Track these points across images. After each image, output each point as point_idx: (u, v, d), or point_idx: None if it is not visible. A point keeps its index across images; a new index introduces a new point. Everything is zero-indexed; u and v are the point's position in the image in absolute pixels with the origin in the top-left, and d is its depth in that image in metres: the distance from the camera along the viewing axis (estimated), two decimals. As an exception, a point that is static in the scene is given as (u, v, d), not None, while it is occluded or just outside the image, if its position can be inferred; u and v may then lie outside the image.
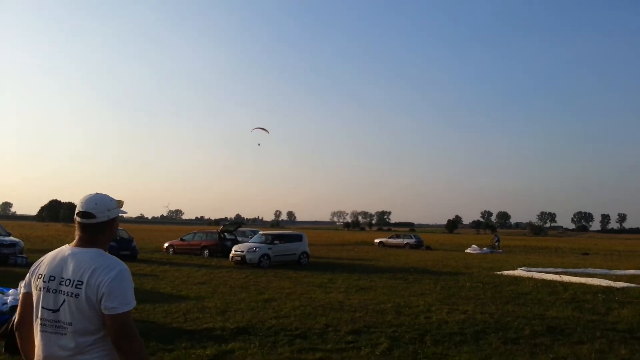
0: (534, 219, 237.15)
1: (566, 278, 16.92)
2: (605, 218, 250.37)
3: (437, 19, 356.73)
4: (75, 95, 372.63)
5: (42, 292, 2.24)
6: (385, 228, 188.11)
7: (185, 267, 18.98)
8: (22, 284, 2.41)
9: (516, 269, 20.51)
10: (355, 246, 44.43)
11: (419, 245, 42.46)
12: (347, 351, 6.87)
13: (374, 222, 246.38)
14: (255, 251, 20.64)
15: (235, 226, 28.07)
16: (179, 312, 9.31)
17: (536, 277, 17.35)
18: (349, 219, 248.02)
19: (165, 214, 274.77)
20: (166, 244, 27.55)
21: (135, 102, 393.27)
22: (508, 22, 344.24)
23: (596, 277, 17.45)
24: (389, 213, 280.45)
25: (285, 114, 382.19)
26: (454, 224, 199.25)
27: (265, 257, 20.61)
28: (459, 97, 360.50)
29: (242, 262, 20.49)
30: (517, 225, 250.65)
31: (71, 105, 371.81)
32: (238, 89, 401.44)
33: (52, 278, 2.23)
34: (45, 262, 2.31)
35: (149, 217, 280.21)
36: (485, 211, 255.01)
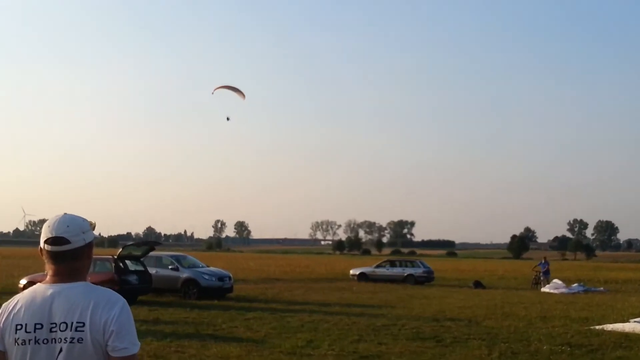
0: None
1: None
2: None
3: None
4: None
5: (28, 346, 1.80)
6: (406, 251, 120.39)
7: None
8: None
9: (628, 321, 14.12)
10: (353, 282, 28.96)
11: (428, 278, 29.24)
12: None
13: (385, 239, 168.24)
14: None
15: (145, 248, 18.18)
16: None
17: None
18: (341, 235, 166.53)
19: (21, 228, 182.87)
20: (23, 282, 16.68)
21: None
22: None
23: None
24: (412, 224, 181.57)
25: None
26: (523, 242, 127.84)
27: None
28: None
29: None
30: (630, 244, 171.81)
31: None
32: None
33: (38, 326, 1.80)
34: (20, 308, 1.84)
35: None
36: (574, 220, 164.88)
